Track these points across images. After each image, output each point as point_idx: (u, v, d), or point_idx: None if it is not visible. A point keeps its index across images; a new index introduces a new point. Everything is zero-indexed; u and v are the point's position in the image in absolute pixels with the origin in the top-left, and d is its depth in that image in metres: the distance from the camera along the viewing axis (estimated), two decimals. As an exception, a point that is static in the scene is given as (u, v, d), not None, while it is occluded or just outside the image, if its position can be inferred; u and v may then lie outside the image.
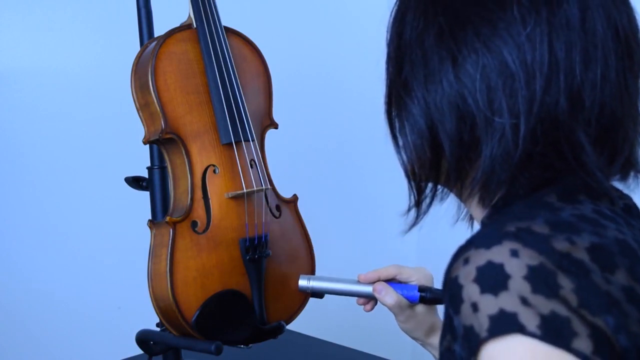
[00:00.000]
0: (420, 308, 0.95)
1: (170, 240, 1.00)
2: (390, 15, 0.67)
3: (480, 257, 0.51)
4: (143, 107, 1.05)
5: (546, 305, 0.48)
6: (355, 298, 1.01)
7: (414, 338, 0.99)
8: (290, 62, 1.76)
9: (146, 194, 1.13)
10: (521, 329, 0.47)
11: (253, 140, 1.09)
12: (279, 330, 1.07)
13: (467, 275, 0.51)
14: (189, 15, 1.10)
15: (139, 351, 1.07)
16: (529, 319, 0.48)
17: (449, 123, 0.60)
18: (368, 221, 2.16)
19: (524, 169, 0.58)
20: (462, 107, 0.59)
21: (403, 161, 0.66)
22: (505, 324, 0.48)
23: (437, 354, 0.94)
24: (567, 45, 0.57)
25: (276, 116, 1.16)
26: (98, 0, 1.60)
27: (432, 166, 0.63)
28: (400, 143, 0.65)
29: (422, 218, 0.68)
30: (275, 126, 1.16)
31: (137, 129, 1.07)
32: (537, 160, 0.58)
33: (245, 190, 1.06)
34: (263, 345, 1.09)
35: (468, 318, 0.50)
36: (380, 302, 0.96)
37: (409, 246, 2.23)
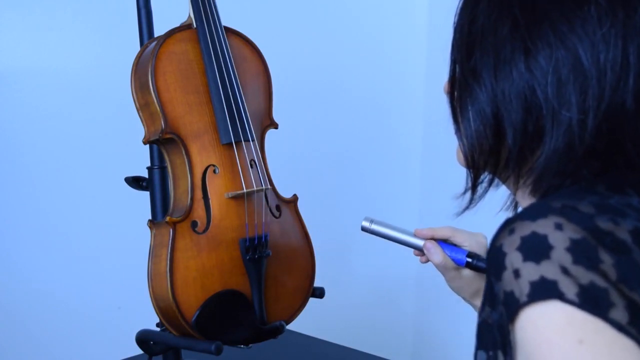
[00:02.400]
0: (467, 272, 0.98)
1: (170, 240, 1.00)
2: (460, 1, 0.68)
3: (525, 228, 0.53)
4: (143, 107, 1.05)
5: (586, 275, 0.49)
6: (413, 253, 1.04)
7: (459, 295, 1.03)
8: (290, 62, 1.76)
9: (146, 194, 1.13)
10: (560, 296, 0.49)
11: (253, 140, 1.09)
12: (279, 330, 1.07)
13: (511, 243, 0.53)
14: (189, 15, 1.10)
15: (139, 351, 1.07)
16: (569, 287, 0.49)
17: (515, 113, 0.61)
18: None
19: (584, 163, 0.60)
20: (529, 98, 0.61)
21: (463, 146, 0.67)
22: (545, 290, 0.50)
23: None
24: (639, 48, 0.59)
25: (276, 116, 1.16)
26: (98, 0, 1.60)
27: (492, 153, 0.65)
28: (462, 128, 0.66)
29: (476, 203, 0.70)
30: (275, 126, 1.16)
31: (137, 129, 1.07)
32: (597, 155, 0.60)
33: (245, 190, 1.06)
34: (263, 345, 1.09)
35: (509, 284, 0.52)
36: (428, 258, 1.00)
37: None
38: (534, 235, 0.52)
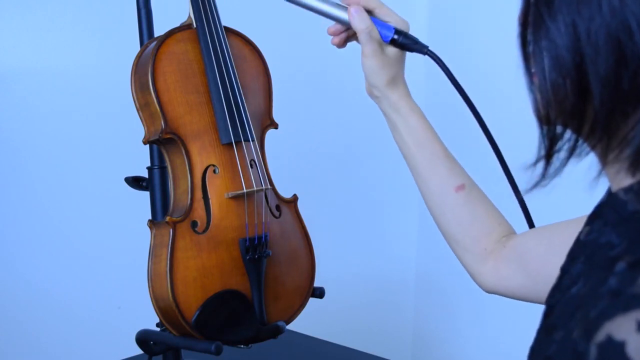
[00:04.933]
0: (390, 50, 0.91)
1: (170, 240, 1.00)
2: None
3: None
4: (143, 107, 1.05)
5: None
6: (327, 30, 0.98)
7: (372, 87, 0.92)
8: (290, 62, 1.76)
9: (146, 194, 1.13)
10: None
11: (253, 140, 1.09)
12: (279, 330, 1.07)
13: None
14: (189, 15, 1.10)
15: (139, 351, 1.07)
16: None
17: (604, 63, 0.46)
18: (368, 221, 2.16)
19: None
20: (625, 43, 0.45)
21: (536, 101, 0.52)
22: None
23: (392, 112, 0.92)
24: None
25: (276, 116, 1.16)
26: (98, 0, 1.60)
27: (574, 113, 0.50)
28: (536, 80, 0.52)
29: (553, 177, 0.53)
30: (275, 126, 1.16)
31: (137, 129, 1.07)
32: None
33: (245, 190, 1.06)
34: (263, 345, 1.09)
35: None
36: (352, 25, 0.90)
37: (409, 246, 2.23)
38: None
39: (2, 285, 1.54)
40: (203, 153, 1.05)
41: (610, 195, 0.54)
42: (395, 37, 0.90)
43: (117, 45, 1.46)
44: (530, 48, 0.51)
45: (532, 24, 0.51)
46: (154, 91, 1.03)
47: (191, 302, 1.00)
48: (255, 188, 1.07)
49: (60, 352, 1.61)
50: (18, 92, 1.55)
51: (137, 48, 1.10)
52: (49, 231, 1.59)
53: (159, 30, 1.11)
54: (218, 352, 0.98)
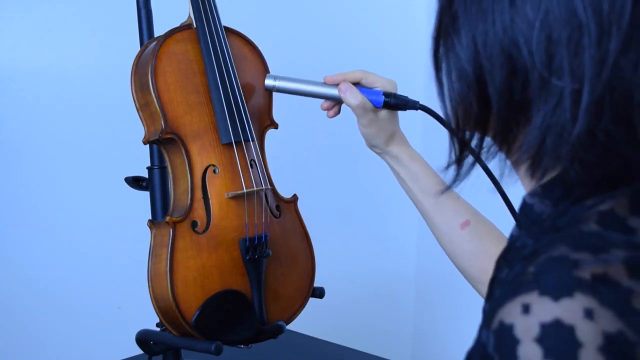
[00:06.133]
0: (383, 114, 0.95)
1: (170, 240, 1.00)
2: None
3: (545, 310, 0.41)
4: (143, 107, 1.05)
5: None
6: (320, 107, 1.02)
7: (372, 146, 0.99)
8: (290, 62, 1.76)
9: (146, 194, 1.13)
10: None
11: (253, 140, 1.09)
12: (279, 330, 1.07)
13: (527, 329, 0.42)
14: (189, 15, 1.10)
15: (139, 351, 1.07)
16: None
17: (499, 75, 0.50)
18: (368, 221, 2.16)
19: (584, 150, 0.47)
20: (515, 57, 0.49)
21: (445, 110, 0.56)
22: None
23: (394, 164, 0.98)
24: None
25: (276, 116, 1.16)
26: (98, 0, 1.60)
27: (478, 121, 0.54)
28: (445, 89, 0.56)
29: (463, 178, 0.57)
30: (275, 126, 1.16)
31: (137, 129, 1.07)
32: (601, 141, 0.47)
33: (245, 190, 1.06)
34: (263, 345, 1.09)
35: None
36: (344, 102, 0.95)
37: (409, 247, 2.23)
38: (558, 325, 0.41)
39: (2, 285, 1.54)
40: (203, 153, 1.05)
41: (522, 200, 0.58)
42: (387, 100, 0.94)
43: (117, 45, 1.45)
44: (442, 60, 0.56)
45: (442, 39, 0.55)
46: (154, 91, 1.03)
47: (191, 302, 1.00)
48: (255, 188, 1.07)
49: (60, 352, 1.61)
50: (18, 92, 1.55)
51: (137, 48, 1.10)
52: (49, 231, 1.59)
53: (159, 30, 1.11)
54: (218, 352, 0.98)
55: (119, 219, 1.60)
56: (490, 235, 0.96)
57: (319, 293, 1.16)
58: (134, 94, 1.06)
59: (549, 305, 0.41)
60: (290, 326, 1.12)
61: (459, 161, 0.57)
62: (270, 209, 1.11)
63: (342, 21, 2.01)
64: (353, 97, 0.93)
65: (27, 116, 1.56)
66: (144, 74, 1.04)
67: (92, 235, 1.62)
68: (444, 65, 0.55)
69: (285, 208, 1.14)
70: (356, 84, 0.96)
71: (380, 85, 0.96)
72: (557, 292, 0.42)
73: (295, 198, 1.16)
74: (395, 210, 2.15)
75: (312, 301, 1.15)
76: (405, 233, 2.18)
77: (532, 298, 0.42)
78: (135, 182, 1.12)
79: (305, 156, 1.97)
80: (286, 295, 1.11)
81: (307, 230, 1.16)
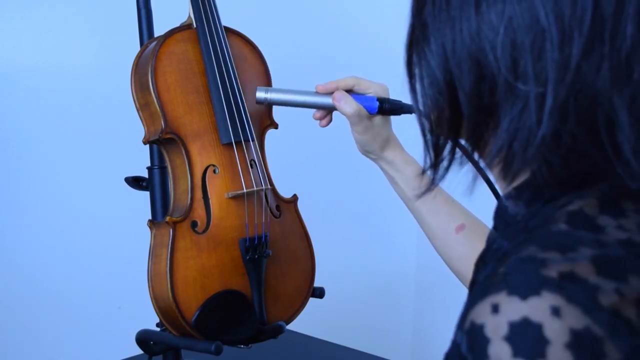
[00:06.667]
0: (378, 120, 0.95)
1: (170, 240, 1.00)
2: None
3: (513, 310, 0.43)
4: (143, 107, 1.05)
5: None
6: (313, 116, 1.01)
7: (367, 152, 0.99)
8: (290, 62, 1.76)
9: (146, 194, 1.13)
10: None
11: (253, 140, 1.09)
12: (279, 330, 1.07)
13: (496, 329, 0.43)
14: (189, 15, 1.10)
15: (139, 351, 1.07)
16: None
17: (468, 80, 0.51)
18: (368, 221, 2.16)
19: (551, 152, 0.48)
20: (482, 62, 0.50)
21: (420, 116, 0.57)
22: None
23: (389, 169, 0.98)
24: None
25: (276, 116, 1.16)
26: (98, 0, 1.60)
27: (452, 126, 0.55)
28: (418, 96, 0.57)
29: (438, 183, 0.58)
30: (275, 126, 1.16)
31: (137, 129, 1.07)
32: (567, 143, 0.48)
33: (245, 190, 1.06)
34: (263, 345, 1.09)
35: None
36: (339, 111, 0.95)
37: (409, 247, 2.23)
38: (526, 323, 0.42)
39: (2, 285, 1.54)
40: (203, 153, 1.05)
41: (498, 202, 0.60)
42: (381, 106, 0.94)
43: (117, 45, 1.45)
44: (415, 67, 0.57)
45: (414, 47, 0.56)
46: (154, 91, 1.03)
47: (191, 302, 1.00)
48: (255, 188, 1.07)
49: (60, 352, 1.61)
50: (18, 92, 1.55)
51: (137, 48, 1.10)
52: (48, 231, 1.59)
53: (159, 30, 1.11)
54: (218, 352, 0.98)
55: (119, 219, 1.60)
56: (485, 238, 0.96)
57: (319, 293, 1.16)
58: (134, 94, 1.06)
59: (517, 304, 0.42)
60: (290, 326, 1.13)
61: (435, 165, 0.58)
62: (270, 209, 1.11)
63: (342, 20, 2.01)
64: (348, 105, 0.93)
65: (27, 116, 1.56)
66: (144, 74, 1.04)
67: (92, 235, 1.62)
68: (416, 73, 0.57)
69: (285, 208, 1.14)
70: (349, 91, 0.96)
71: (373, 91, 0.96)
72: (525, 292, 0.43)
73: (295, 198, 1.16)
74: (395, 210, 2.15)
75: (312, 301, 1.15)
76: (405, 233, 2.18)
77: (501, 298, 0.43)
78: (135, 182, 1.12)
79: (305, 156, 1.97)
80: (286, 295, 1.11)
81: (307, 230, 1.16)
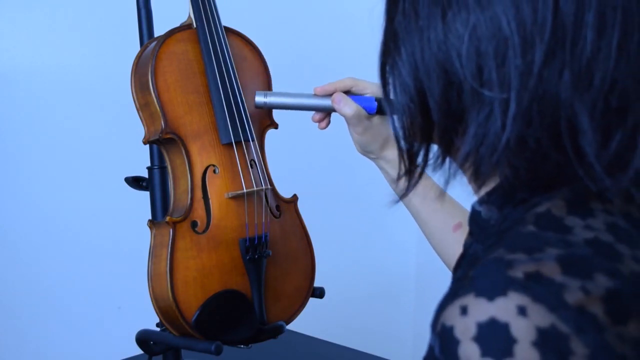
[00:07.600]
0: (377, 119, 0.95)
1: (170, 240, 1.00)
2: None
3: (481, 311, 0.44)
4: (143, 107, 1.05)
5: None
6: (311, 119, 1.01)
7: (367, 152, 0.99)
8: (290, 62, 1.76)
9: (146, 194, 1.13)
10: None
11: (253, 140, 1.09)
12: (279, 330, 1.07)
13: (465, 330, 0.44)
14: (189, 15, 1.10)
15: (139, 351, 1.07)
16: None
17: (436, 87, 0.52)
18: (368, 221, 2.16)
19: (517, 156, 0.50)
20: (450, 71, 0.51)
21: (394, 124, 0.59)
22: None
23: (389, 168, 0.98)
24: (579, 5, 0.47)
25: (276, 116, 1.16)
26: (98, 0, 1.60)
27: (424, 132, 0.56)
28: (392, 104, 0.58)
29: (412, 188, 0.60)
30: (275, 126, 1.16)
31: (137, 129, 1.07)
32: (532, 147, 0.49)
33: (245, 190, 1.06)
34: (263, 345, 1.09)
35: None
36: (339, 112, 0.95)
37: (410, 247, 2.23)
38: (493, 323, 0.43)
39: (2, 285, 1.54)
40: (203, 153, 1.05)
41: (472, 207, 0.61)
42: (380, 106, 0.93)
43: (117, 45, 1.45)
44: (388, 77, 0.58)
45: (387, 56, 0.58)
46: (154, 91, 1.03)
47: (191, 302, 1.00)
48: (255, 188, 1.07)
49: (60, 352, 1.61)
50: (18, 92, 1.55)
51: (137, 48, 1.10)
52: (48, 231, 1.59)
53: (159, 30, 1.11)
54: (218, 352, 0.98)
55: (119, 219, 1.60)
56: None
57: (319, 293, 1.16)
58: (134, 94, 1.06)
59: (485, 305, 0.44)
60: (290, 326, 1.13)
61: (410, 172, 0.59)
62: (270, 209, 1.11)
63: (342, 20, 2.01)
64: (348, 106, 0.93)
65: (27, 116, 1.56)
66: (144, 74, 1.04)
67: (92, 235, 1.62)
68: (390, 81, 0.58)
69: (285, 208, 1.14)
70: (347, 92, 0.96)
71: (371, 92, 0.96)
72: (491, 293, 0.44)
73: (295, 198, 1.16)
74: (395, 210, 2.15)
75: (312, 301, 1.15)
76: (405, 233, 2.18)
77: (469, 300, 0.45)
78: (135, 182, 1.12)
79: (305, 156, 1.97)
80: (286, 295, 1.11)
81: (307, 230, 1.16)
